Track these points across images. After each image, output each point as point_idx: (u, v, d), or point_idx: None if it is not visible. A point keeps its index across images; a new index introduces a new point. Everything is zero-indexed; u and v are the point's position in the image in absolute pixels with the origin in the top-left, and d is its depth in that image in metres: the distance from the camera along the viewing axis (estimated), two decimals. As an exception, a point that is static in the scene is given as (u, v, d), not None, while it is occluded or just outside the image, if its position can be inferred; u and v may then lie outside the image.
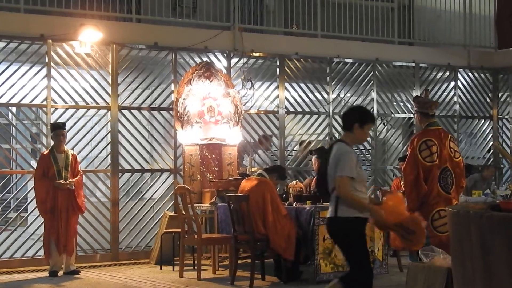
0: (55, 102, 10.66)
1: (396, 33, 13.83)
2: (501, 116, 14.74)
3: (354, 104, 13.17)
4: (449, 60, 14.04)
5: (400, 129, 13.94)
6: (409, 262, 7.49)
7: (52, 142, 9.95)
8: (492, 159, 14.56)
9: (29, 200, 11.27)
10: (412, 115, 13.16)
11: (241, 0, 12.67)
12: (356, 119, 5.84)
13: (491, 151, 14.52)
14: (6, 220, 10.77)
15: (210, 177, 11.01)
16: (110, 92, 11.01)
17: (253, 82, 11.90)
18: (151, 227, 11.23)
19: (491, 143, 14.51)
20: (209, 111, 11.21)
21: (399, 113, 13.71)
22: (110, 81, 11.01)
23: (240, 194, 8.69)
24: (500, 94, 14.79)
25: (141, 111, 11.40)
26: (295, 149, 13.27)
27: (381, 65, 13.36)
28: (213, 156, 11.19)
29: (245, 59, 12.00)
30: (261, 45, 12.19)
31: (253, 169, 11.46)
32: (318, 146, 11.57)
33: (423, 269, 6.35)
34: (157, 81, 11.52)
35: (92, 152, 11.18)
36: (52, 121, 10.36)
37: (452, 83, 14.22)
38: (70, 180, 9.55)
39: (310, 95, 12.77)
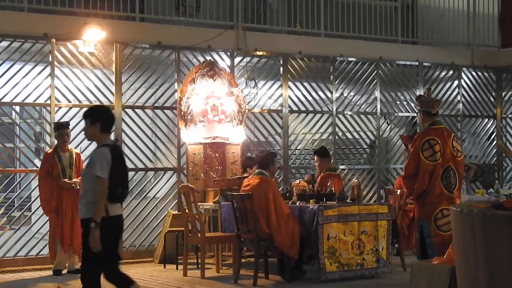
0: (58, 101, 10.66)
1: (399, 32, 13.81)
2: (504, 115, 14.73)
3: (358, 103, 13.20)
4: (453, 59, 14.03)
5: (403, 128, 13.96)
6: (413, 261, 7.50)
7: (56, 141, 9.98)
8: (495, 158, 14.58)
9: (32, 199, 11.30)
10: (415, 114, 13.16)
11: (245, -1, 12.70)
12: None
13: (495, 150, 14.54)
14: (10, 219, 10.80)
15: (214, 176, 11.01)
16: (113, 91, 11.03)
17: (256, 81, 11.92)
18: (154, 226, 11.25)
19: (495, 142, 14.51)
20: (213, 110, 11.23)
21: (402, 112, 13.74)
22: (113, 80, 11.03)
23: (243, 193, 8.68)
24: (503, 93, 14.77)
25: (145, 110, 11.42)
26: (298, 148, 13.28)
27: (384, 64, 13.36)
28: (217, 155, 11.18)
29: (248, 58, 12.00)
30: (264, 44, 12.21)
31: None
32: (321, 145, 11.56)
33: (427, 267, 6.36)
34: (160, 80, 11.54)
35: (95, 151, 11.17)
36: (56, 120, 10.38)
37: (456, 82, 14.20)
38: (75, 179, 9.56)
39: (313, 94, 12.79)
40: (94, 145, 11.03)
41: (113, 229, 5.89)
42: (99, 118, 5.92)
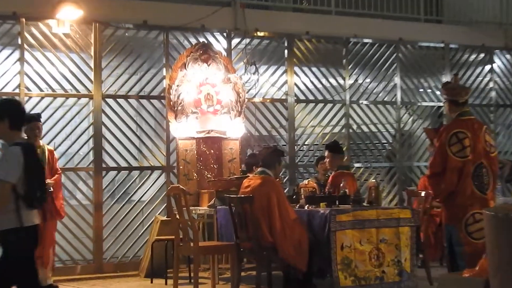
0: (29, 89, 10.68)
1: (422, 10, 13.89)
2: (544, 104, 14.72)
3: (375, 91, 13.13)
4: (484, 41, 14.08)
5: (427, 120, 13.98)
6: (441, 274, 7.41)
7: (25, 136, 9.87)
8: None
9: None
10: (441, 104, 13.14)
11: (243, -28, 12.66)
12: None
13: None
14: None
15: (209, 175, 11.07)
16: (92, 78, 11.05)
17: (257, 66, 11.91)
18: (140, 234, 11.26)
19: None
20: (207, 99, 11.27)
21: (426, 101, 13.79)
22: (92, 66, 11.05)
23: (243, 195, 8.63)
24: (542, 79, 14.77)
25: (128, 99, 11.46)
26: (306, 143, 13.22)
27: (405, 46, 13.41)
28: (212, 151, 11.24)
29: (248, 40, 12.01)
30: (266, 23, 12.21)
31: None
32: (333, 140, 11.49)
33: (457, 281, 6.30)
34: (146, 65, 11.59)
35: (71, 148, 11.24)
36: (26, 112, 10.28)
37: (488, 67, 14.28)
38: (49, 180, 9.45)
39: (323, 80, 12.82)
40: (69, 141, 11.11)
41: (28, 242, 5.94)
42: (7, 114, 5.94)
